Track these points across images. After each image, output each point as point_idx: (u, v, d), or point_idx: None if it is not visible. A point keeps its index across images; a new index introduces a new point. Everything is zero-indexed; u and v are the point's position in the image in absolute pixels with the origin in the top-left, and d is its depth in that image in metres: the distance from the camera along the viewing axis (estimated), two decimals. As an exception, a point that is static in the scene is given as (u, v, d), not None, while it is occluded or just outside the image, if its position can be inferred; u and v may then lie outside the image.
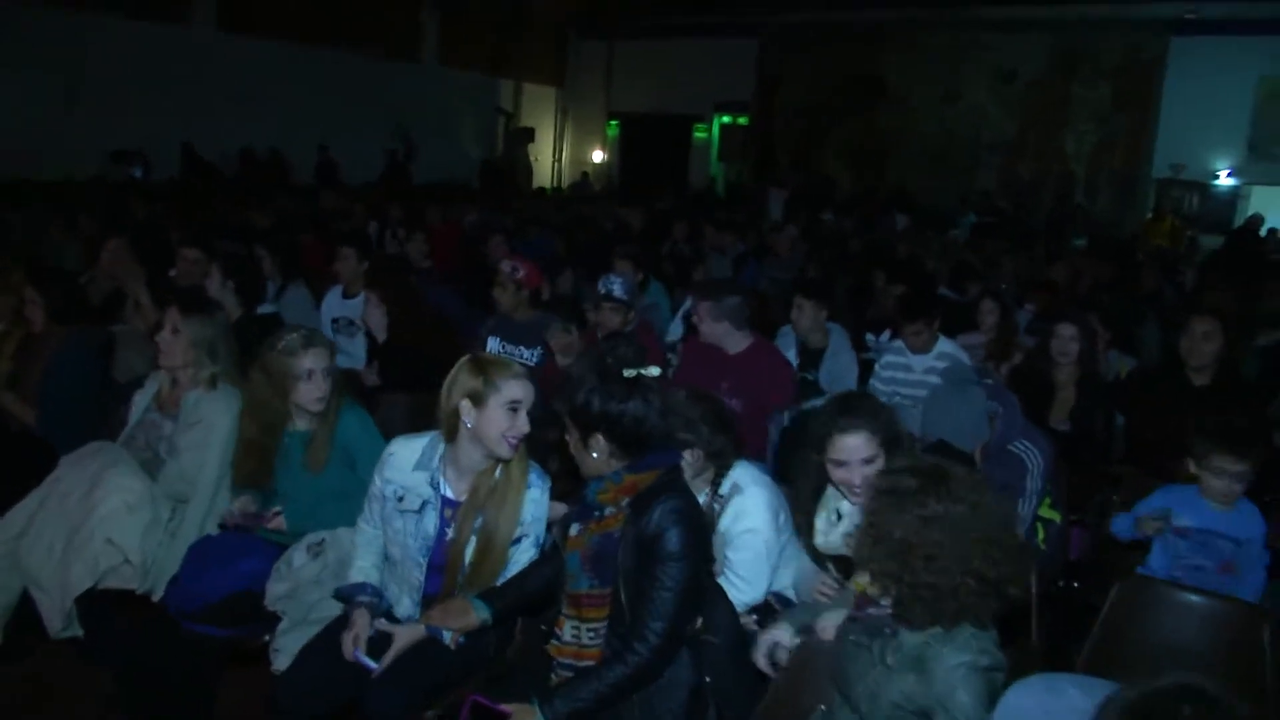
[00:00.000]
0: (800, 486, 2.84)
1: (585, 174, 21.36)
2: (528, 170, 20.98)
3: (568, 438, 2.41)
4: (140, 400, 3.46)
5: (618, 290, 4.53)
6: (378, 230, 9.68)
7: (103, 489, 3.06)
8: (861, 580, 2.25)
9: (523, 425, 2.56)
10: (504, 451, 2.57)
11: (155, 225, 7.71)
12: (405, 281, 5.05)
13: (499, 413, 2.53)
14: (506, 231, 8.46)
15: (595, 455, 2.33)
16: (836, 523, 2.72)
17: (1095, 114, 17.40)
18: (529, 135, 21.36)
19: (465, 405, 2.55)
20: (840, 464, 2.65)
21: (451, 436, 2.61)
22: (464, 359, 2.64)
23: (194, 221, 8.25)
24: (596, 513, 2.37)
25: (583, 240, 9.20)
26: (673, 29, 19.88)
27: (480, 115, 20.42)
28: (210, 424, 3.21)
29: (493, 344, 4.72)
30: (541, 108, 22.05)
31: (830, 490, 2.78)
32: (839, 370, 4.96)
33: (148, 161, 13.53)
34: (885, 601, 2.19)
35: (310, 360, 2.99)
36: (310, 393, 3.01)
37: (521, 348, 4.67)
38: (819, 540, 2.73)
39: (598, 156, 22.22)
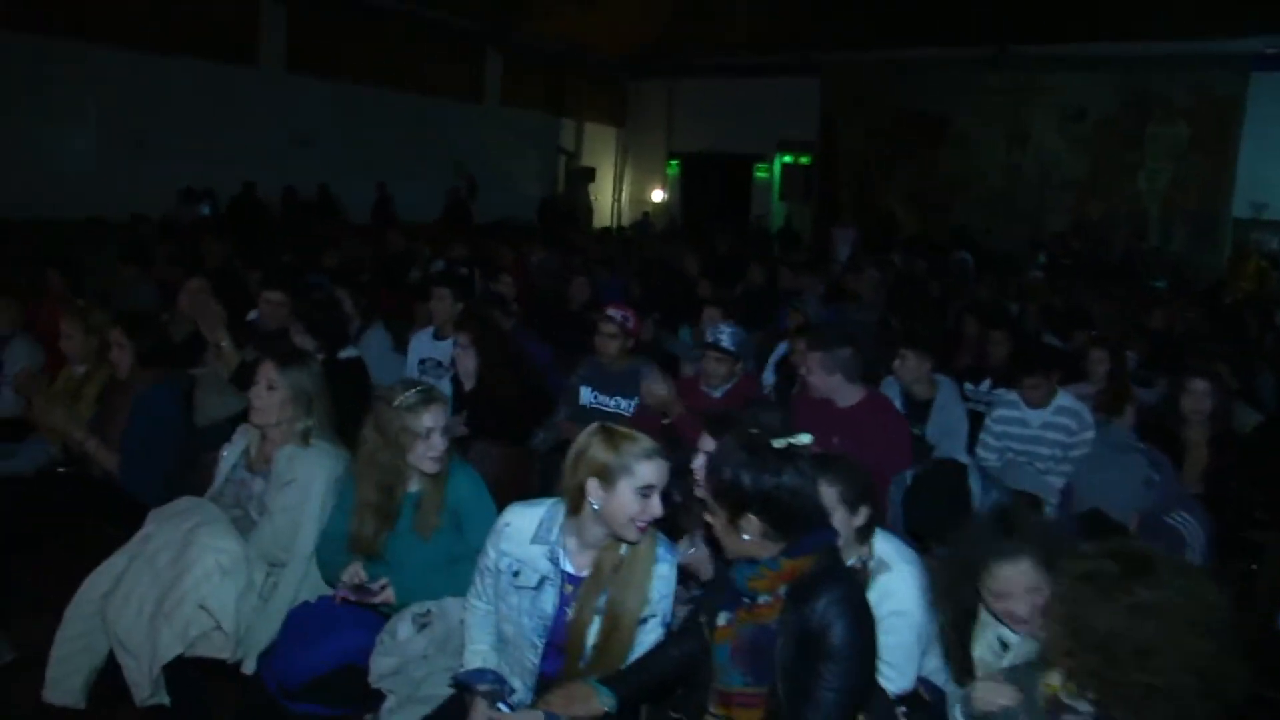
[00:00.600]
0: (943, 608, 2.44)
1: (646, 213, 21.26)
2: (589, 210, 20.94)
3: (711, 518, 2.17)
4: (228, 456, 3.30)
5: (726, 340, 4.28)
6: (444, 269, 9.55)
7: (195, 549, 2.87)
8: (1053, 681, 1.99)
9: (655, 510, 2.31)
10: (631, 536, 2.34)
11: (232, 267, 7.66)
12: (497, 325, 4.84)
13: (629, 497, 2.29)
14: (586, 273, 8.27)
15: (746, 537, 2.09)
16: (1003, 653, 2.36)
17: (1171, 152, 16.88)
18: (590, 175, 21.35)
19: (593, 484, 2.30)
20: (1003, 595, 2.28)
21: (575, 510, 2.38)
22: (594, 428, 2.39)
23: (259, 261, 8.17)
24: (747, 600, 2.14)
25: (656, 283, 9.00)
26: (734, 68, 19.80)
27: (541, 155, 20.48)
28: (304, 483, 3.02)
29: (585, 394, 4.51)
30: (602, 147, 22.07)
31: (985, 614, 2.40)
32: (948, 424, 4.66)
33: (215, 200, 13.64)
34: (1082, 707, 1.95)
35: (429, 418, 2.78)
36: (427, 452, 2.79)
37: (619, 398, 4.46)
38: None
39: (658, 196, 22.13)
